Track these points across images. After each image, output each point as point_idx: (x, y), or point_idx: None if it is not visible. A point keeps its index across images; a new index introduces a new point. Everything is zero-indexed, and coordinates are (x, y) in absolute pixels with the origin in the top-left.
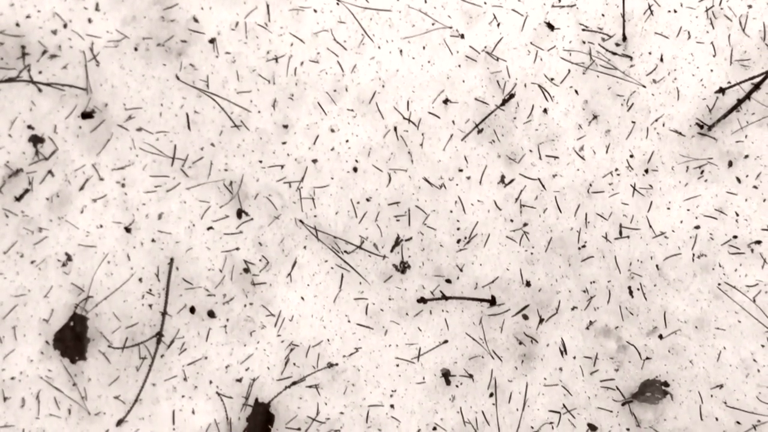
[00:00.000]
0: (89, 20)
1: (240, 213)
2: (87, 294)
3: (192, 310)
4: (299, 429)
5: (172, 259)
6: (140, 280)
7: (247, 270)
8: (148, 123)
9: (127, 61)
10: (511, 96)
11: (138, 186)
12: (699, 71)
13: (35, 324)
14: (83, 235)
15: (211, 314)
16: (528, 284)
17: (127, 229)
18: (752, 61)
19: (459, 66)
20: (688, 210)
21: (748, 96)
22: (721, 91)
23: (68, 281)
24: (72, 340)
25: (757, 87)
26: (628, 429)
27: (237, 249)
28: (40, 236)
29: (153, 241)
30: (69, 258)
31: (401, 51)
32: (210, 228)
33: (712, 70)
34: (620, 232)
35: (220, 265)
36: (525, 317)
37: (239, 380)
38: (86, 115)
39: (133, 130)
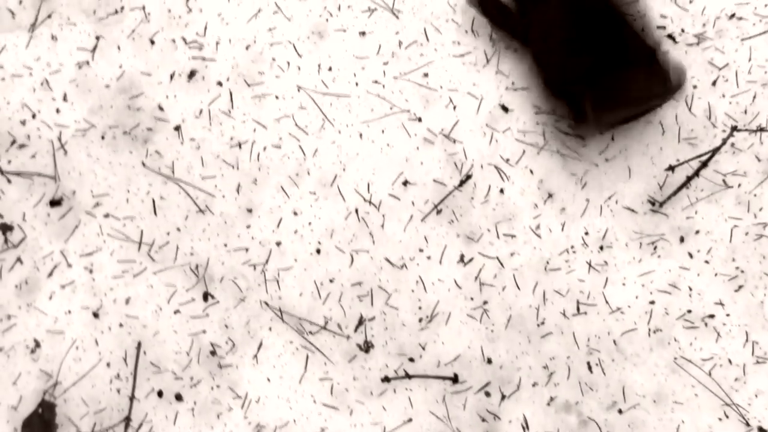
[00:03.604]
0: (57, 110)
1: (206, 296)
2: (55, 380)
3: (160, 393)
4: None
5: (139, 344)
6: (108, 365)
7: (213, 352)
8: (115, 209)
9: (95, 149)
10: (468, 177)
11: (105, 271)
12: (649, 149)
13: (3, 411)
14: (52, 321)
15: (178, 397)
16: (489, 361)
17: (95, 315)
18: (699, 140)
19: (417, 148)
20: (643, 285)
21: (696, 173)
22: (671, 168)
23: (37, 368)
24: (40, 426)
25: (704, 164)
26: None
27: (203, 332)
28: (8, 323)
29: (121, 325)
30: (37, 344)
31: (361, 135)
32: (177, 311)
33: (661, 149)
34: (578, 309)
35: (187, 348)
36: (487, 394)
37: None
38: (54, 202)
39: (100, 216)
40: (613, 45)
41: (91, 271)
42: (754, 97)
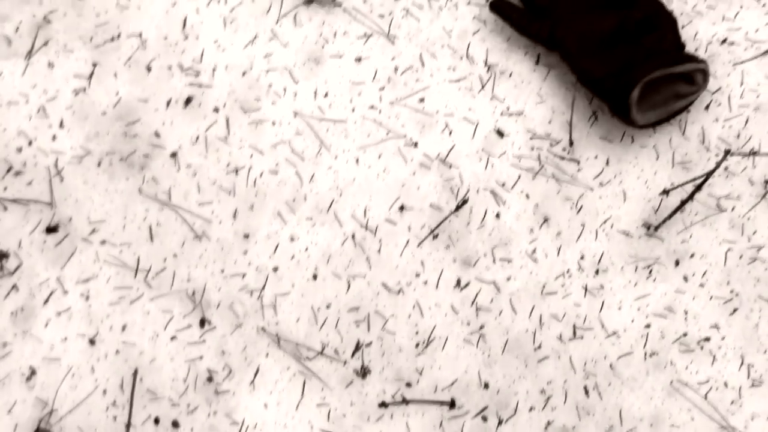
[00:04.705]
0: (54, 137)
1: (203, 322)
2: (51, 408)
3: (156, 420)
4: None
5: (136, 371)
6: (104, 392)
7: (210, 379)
8: (111, 236)
9: (91, 175)
10: (465, 202)
11: (102, 298)
12: (643, 173)
13: None
14: (47, 348)
15: (175, 424)
16: (486, 386)
17: (92, 342)
18: (693, 163)
19: (413, 173)
20: (639, 309)
21: (690, 197)
22: (665, 192)
23: (32, 395)
24: None
25: (699, 188)
26: None
27: (200, 358)
28: (4, 351)
29: (117, 352)
30: (33, 372)
31: (357, 160)
32: (173, 338)
33: (655, 173)
34: (574, 333)
35: (183, 375)
36: (484, 419)
37: None
38: (51, 229)
39: (96, 243)
40: (649, 38)
41: (87, 298)
42: (747, 120)
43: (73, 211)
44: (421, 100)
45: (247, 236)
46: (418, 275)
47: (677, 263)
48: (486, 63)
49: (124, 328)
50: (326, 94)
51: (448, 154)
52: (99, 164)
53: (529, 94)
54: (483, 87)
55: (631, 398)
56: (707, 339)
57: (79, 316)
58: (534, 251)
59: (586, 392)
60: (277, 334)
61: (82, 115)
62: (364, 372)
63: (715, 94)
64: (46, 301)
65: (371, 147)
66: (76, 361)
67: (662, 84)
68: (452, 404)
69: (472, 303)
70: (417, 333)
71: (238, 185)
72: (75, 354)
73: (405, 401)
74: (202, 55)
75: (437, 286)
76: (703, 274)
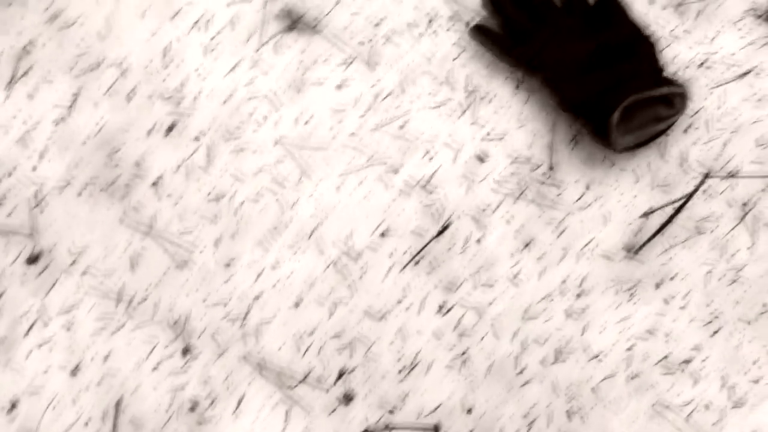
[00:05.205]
0: (34, 167)
1: (186, 351)
2: None
3: None
4: None
5: (118, 401)
6: (86, 423)
7: (193, 408)
8: (93, 265)
9: (72, 205)
10: (446, 227)
11: (84, 328)
12: (624, 197)
13: None
14: (29, 380)
15: None
16: (470, 411)
17: (74, 372)
18: (672, 186)
19: (395, 199)
20: (621, 332)
21: (670, 220)
22: (646, 215)
23: (14, 428)
24: None
25: (678, 211)
26: None
27: (183, 387)
28: None
29: (99, 383)
30: (14, 405)
31: (339, 187)
32: (156, 367)
33: (636, 196)
34: (557, 356)
35: (166, 405)
36: None
37: None
38: (32, 260)
39: (78, 273)
40: (628, 62)
41: (69, 329)
42: (726, 143)
43: (54, 241)
44: (402, 126)
45: (229, 264)
46: (400, 301)
47: (658, 285)
48: (467, 88)
49: (106, 358)
50: (307, 121)
51: (429, 180)
52: (80, 194)
53: (509, 119)
54: (464, 112)
55: (615, 421)
56: (689, 361)
57: (61, 346)
58: (516, 275)
59: (570, 416)
60: (260, 362)
61: (63, 145)
62: (347, 399)
63: (694, 116)
64: (28, 331)
65: (353, 173)
66: (59, 391)
67: (641, 107)
68: (436, 429)
69: (455, 328)
70: (400, 359)
71: (220, 213)
72: (57, 385)
73: (388, 428)
74: (182, 83)
75: (420, 312)
76: (684, 295)
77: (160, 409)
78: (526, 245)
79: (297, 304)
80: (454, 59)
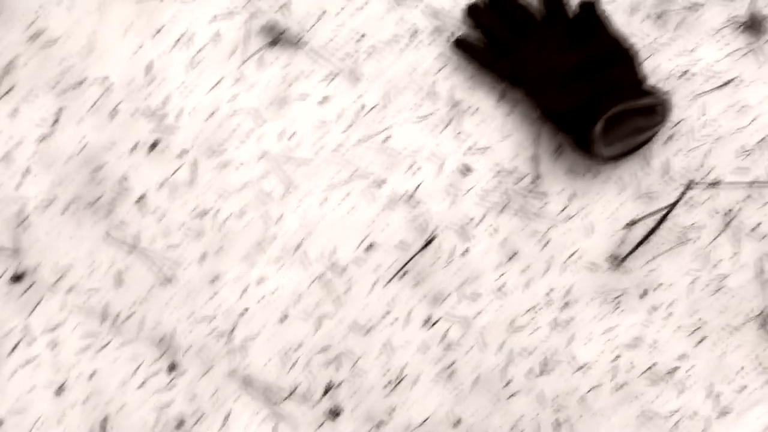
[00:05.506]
0: (18, 185)
1: (172, 367)
2: None
3: None
4: None
5: (104, 419)
6: None
7: (180, 425)
8: (78, 283)
9: (57, 222)
10: (432, 239)
11: (69, 346)
12: (608, 206)
13: None
14: (14, 399)
15: None
16: (457, 423)
17: (59, 391)
18: (657, 195)
19: (379, 214)
20: (608, 341)
21: (655, 229)
22: (630, 225)
23: None
24: None
25: (662, 220)
26: None
27: (170, 404)
28: None
29: (85, 401)
30: (0, 424)
31: (323, 202)
32: (142, 384)
33: (619, 207)
34: (543, 367)
35: (152, 422)
36: None
37: None
38: (16, 278)
39: (63, 290)
40: (609, 73)
41: (54, 347)
42: (707, 153)
43: (38, 259)
44: (386, 140)
45: (214, 280)
46: (386, 314)
47: (642, 296)
48: (450, 101)
49: (91, 376)
50: (291, 137)
51: (413, 193)
52: (64, 212)
53: (493, 131)
54: (447, 125)
55: (602, 431)
56: (675, 369)
57: (46, 365)
58: (502, 286)
59: (557, 427)
60: (247, 377)
61: (46, 163)
62: (334, 413)
63: (675, 127)
64: (12, 351)
65: (337, 188)
66: (44, 411)
67: (624, 118)
68: None
69: (441, 340)
70: (387, 372)
71: (204, 229)
72: (42, 404)
73: None
74: (166, 98)
75: (406, 325)
76: (669, 305)
77: (146, 426)
78: (511, 257)
79: (282, 320)
80: (437, 73)
